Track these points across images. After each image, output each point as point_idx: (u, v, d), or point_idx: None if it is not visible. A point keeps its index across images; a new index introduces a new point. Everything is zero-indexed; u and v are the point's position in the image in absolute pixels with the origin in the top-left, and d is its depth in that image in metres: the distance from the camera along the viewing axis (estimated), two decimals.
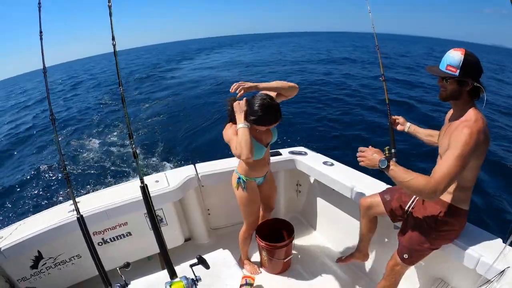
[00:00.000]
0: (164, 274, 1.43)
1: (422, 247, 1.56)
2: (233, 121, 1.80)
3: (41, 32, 1.34)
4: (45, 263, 2.10)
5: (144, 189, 1.26)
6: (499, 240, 1.52)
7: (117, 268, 1.38)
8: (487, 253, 1.44)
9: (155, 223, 1.29)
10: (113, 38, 1.23)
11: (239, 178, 2.00)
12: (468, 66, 1.32)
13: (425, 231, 1.54)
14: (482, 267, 1.44)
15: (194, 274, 1.35)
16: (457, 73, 1.33)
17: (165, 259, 1.31)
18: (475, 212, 4.06)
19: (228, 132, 1.79)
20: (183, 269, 1.41)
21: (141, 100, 13.09)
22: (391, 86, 12.25)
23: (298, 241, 2.63)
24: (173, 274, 1.36)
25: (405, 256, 1.61)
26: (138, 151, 7.33)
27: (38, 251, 2.05)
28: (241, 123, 1.69)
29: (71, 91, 20.54)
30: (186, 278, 1.30)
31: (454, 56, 1.34)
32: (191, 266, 1.41)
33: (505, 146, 6.77)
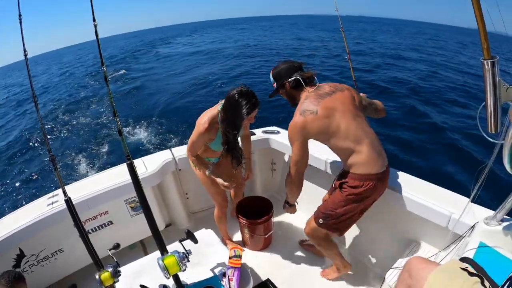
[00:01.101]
0: (155, 254, 1.45)
1: (334, 212, 1.70)
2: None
3: (20, 15, 1.33)
4: (28, 261, 2.03)
5: (131, 165, 1.27)
6: (465, 198, 1.67)
7: (108, 250, 1.40)
8: (457, 211, 1.58)
9: (144, 199, 1.31)
10: (93, 19, 1.25)
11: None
12: (276, 74, 1.72)
13: (337, 197, 1.70)
14: (454, 224, 1.58)
15: (184, 249, 1.39)
16: (275, 85, 1.75)
17: (155, 233, 1.33)
18: (443, 175, 4.46)
19: (202, 136, 1.83)
20: (170, 249, 1.44)
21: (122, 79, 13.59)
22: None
23: (277, 219, 2.72)
24: (163, 251, 1.39)
25: (320, 221, 1.75)
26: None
27: (20, 249, 1.99)
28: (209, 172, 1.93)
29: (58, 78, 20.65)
30: (178, 252, 1.34)
31: (270, 76, 1.77)
32: (180, 241, 1.45)
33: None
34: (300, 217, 2.75)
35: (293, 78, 1.65)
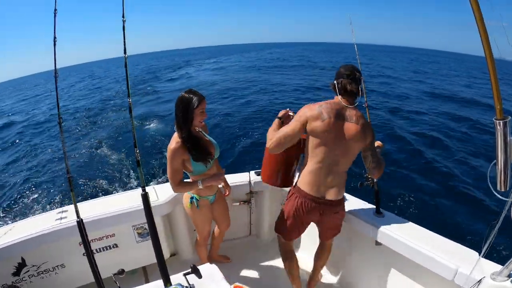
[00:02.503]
0: (156, 284, 1.45)
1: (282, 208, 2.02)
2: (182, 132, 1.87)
3: (55, 38, 1.39)
4: (28, 271, 2.05)
5: (145, 196, 1.30)
6: (473, 252, 1.65)
7: (112, 275, 1.40)
8: (464, 264, 1.56)
9: (154, 230, 1.32)
10: (124, 52, 1.31)
11: (192, 197, 2.05)
12: (336, 74, 1.82)
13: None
14: (460, 278, 1.55)
15: (188, 282, 1.39)
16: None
17: (161, 266, 1.34)
18: (447, 228, 4.32)
19: (174, 158, 1.86)
20: (172, 279, 1.43)
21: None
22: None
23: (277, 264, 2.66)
24: (167, 282, 1.39)
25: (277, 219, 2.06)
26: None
27: (22, 258, 2.00)
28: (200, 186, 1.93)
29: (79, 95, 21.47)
30: (181, 285, 1.34)
31: None
32: (185, 274, 1.45)
33: None
34: (306, 261, 2.63)
35: (334, 82, 1.79)
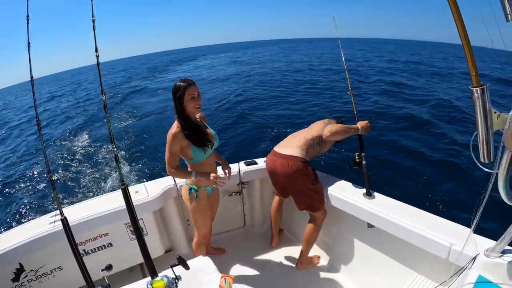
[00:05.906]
0: (146, 280, 1.46)
1: None
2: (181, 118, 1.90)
3: (28, 43, 1.44)
4: (27, 276, 2.07)
5: (125, 191, 1.31)
6: (466, 228, 1.61)
7: (100, 270, 1.42)
8: (458, 241, 1.52)
9: (136, 222, 1.33)
10: (96, 50, 1.34)
11: (190, 189, 2.03)
12: None
13: None
14: (454, 256, 1.51)
15: (175, 274, 1.39)
16: None
17: (146, 258, 1.35)
18: (440, 203, 4.31)
19: (174, 142, 1.87)
20: (164, 274, 1.44)
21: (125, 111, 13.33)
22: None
23: (281, 252, 2.66)
24: (154, 274, 1.40)
25: None
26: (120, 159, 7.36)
27: (20, 263, 2.03)
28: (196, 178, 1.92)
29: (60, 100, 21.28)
30: (167, 277, 1.35)
31: None
32: (171, 266, 1.45)
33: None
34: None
35: None
